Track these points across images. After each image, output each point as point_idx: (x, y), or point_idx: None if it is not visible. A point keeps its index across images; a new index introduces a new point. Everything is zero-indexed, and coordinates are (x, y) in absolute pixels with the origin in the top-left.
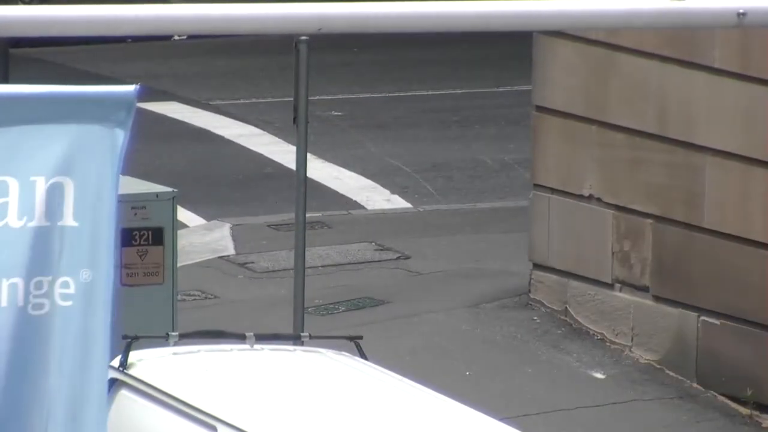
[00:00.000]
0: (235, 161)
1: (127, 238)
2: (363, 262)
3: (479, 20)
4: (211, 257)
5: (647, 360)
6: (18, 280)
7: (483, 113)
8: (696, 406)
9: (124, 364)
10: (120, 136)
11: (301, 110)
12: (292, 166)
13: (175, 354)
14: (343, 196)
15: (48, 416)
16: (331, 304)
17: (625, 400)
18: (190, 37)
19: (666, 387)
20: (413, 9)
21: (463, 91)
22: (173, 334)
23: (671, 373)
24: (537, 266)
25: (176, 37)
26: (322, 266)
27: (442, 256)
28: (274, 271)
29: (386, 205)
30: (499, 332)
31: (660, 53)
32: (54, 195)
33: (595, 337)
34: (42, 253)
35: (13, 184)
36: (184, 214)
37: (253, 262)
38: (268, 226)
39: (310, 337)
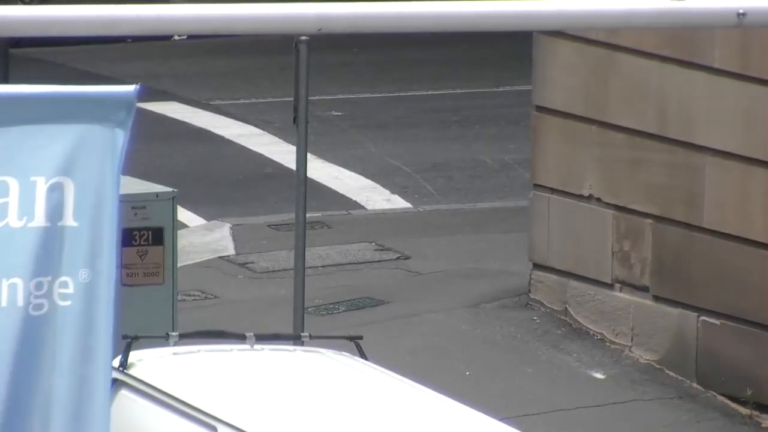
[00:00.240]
0: (235, 161)
1: (127, 238)
2: (363, 262)
3: (479, 20)
4: (211, 257)
5: (647, 360)
6: (18, 281)
7: (483, 113)
8: (696, 406)
9: (124, 364)
10: (120, 136)
11: (301, 110)
12: (292, 166)
13: (175, 354)
14: (343, 196)
15: (49, 416)
16: (331, 304)
17: (625, 400)
18: (190, 37)
19: (666, 387)
20: (413, 9)
21: (463, 91)
22: (173, 334)
23: (671, 373)
24: (537, 266)
25: (176, 37)
26: (322, 266)
27: (442, 256)
28: (274, 271)
29: (386, 205)
30: (499, 332)
31: (660, 53)
32: (54, 195)
33: (595, 337)
34: (42, 253)
35: (14, 185)
36: (184, 214)
37: (253, 262)
38: (268, 226)
39: (310, 337)
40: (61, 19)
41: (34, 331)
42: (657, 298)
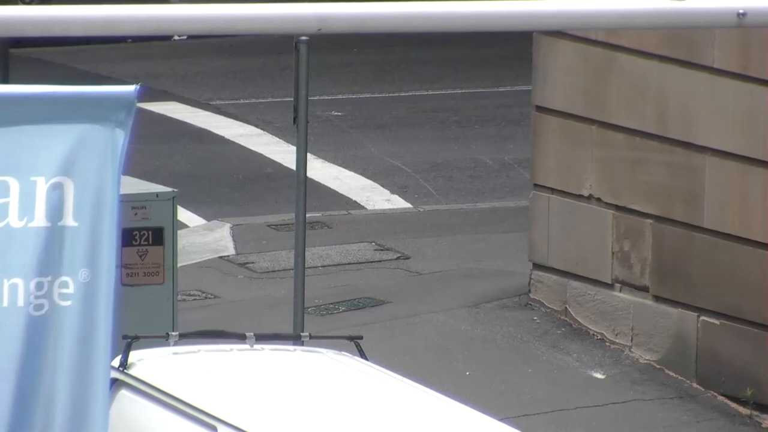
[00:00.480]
0: (235, 161)
1: (127, 238)
2: (363, 262)
3: (479, 20)
4: (211, 257)
5: (647, 360)
6: (18, 281)
7: (483, 113)
8: (696, 406)
9: (124, 364)
10: (120, 136)
11: (301, 110)
12: (292, 166)
13: (175, 354)
14: (343, 196)
15: (50, 416)
16: (331, 304)
17: (625, 400)
18: (190, 37)
19: (666, 387)
20: (413, 9)
21: (463, 91)
22: (173, 334)
23: (671, 373)
24: (537, 266)
25: (176, 37)
26: (322, 266)
27: (442, 256)
28: (274, 271)
29: (386, 205)
30: (499, 332)
31: (660, 53)
32: (54, 195)
33: (595, 337)
34: (42, 253)
35: (14, 185)
36: (184, 214)
37: (253, 262)
38: (268, 226)
39: (310, 337)
40: (61, 19)
41: (34, 332)
42: (657, 298)
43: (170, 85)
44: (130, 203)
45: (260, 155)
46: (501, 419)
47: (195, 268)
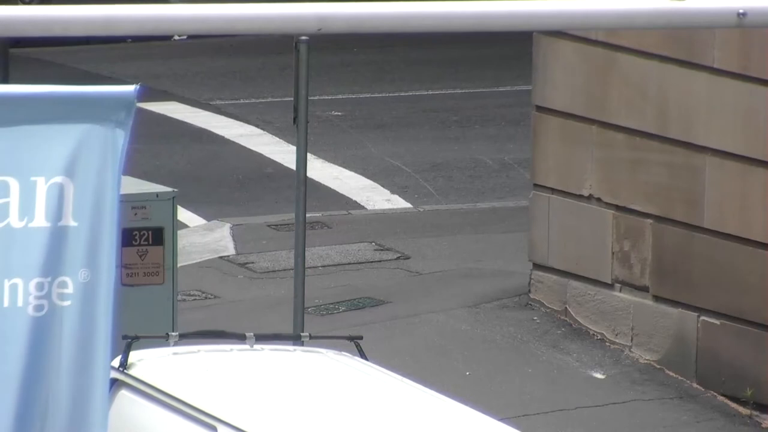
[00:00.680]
0: (235, 161)
1: (127, 238)
2: (363, 262)
3: (479, 20)
4: (211, 257)
5: (647, 360)
6: (19, 281)
7: (483, 113)
8: (696, 406)
9: (124, 364)
10: (120, 136)
11: (301, 110)
12: (292, 166)
13: (175, 354)
14: (343, 196)
15: (50, 416)
16: (331, 304)
17: (625, 400)
18: (190, 37)
19: (666, 387)
20: (413, 9)
21: (463, 91)
22: (173, 334)
23: (671, 373)
24: (537, 266)
25: (176, 37)
26: (322, 266)
27: (442, 256)
28: (274, 271)
29: (386, 205)
30: (499, 332)
31: (660, 53)
32: (54, 195)
33: (595, 337)
34: (42, 254)
35: (14, 185)
36: (184, 214)
37: (253, 262)
38: (268, 226)
39: (310, 337)
40: (61, 19)
41: (34, 332)
42: (657, 298)
43: (170, 85)
44: (130, 203)
45: (260, 155)
46: (501, 419)
47: (195, 268)
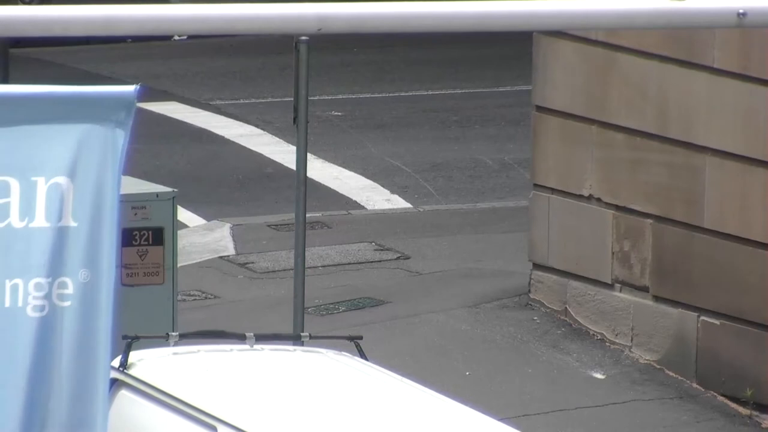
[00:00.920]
0: (235, 161)
1: (127, 238)
2: (363, 262)
3: (479, 20)
4: (211, 257)
5: (647, 360)
6: (20, 281)
7: (483, 113)
8: (696, 406)
9: (124, 364)
10: (120, 137)
11: (301, 110)
12: (292, 166)
13: (175, 354)
14: (343, 196)
15: (50, 416)
16: (331, 304)
17: (625, 400)
18: (190, 37)
19: (666, 387)
20: (413, 9)
21: (463, 91)
22: (173, 334)
23: (671, 373)
24: (537, 266)
25: (176, 37)
26: (322, 266)
27: (442, 256)
28: (274, 271)
29: (386, 205)
30: (499, 332)
31: (660, 53)
32: (53, 195)
33: (595, 337)
34: (43, 254)
35: (15, 185)
36: (184, 214)
37: (253, 262)
38: (268, 226)
39: (310, 337)
40: (61, 19)
41: (35, 333)
42: (657, 298)
43: (170, 85)
44: (130, 203)
45: (260, 155)
46: (501, 419)
47: (195, 268)
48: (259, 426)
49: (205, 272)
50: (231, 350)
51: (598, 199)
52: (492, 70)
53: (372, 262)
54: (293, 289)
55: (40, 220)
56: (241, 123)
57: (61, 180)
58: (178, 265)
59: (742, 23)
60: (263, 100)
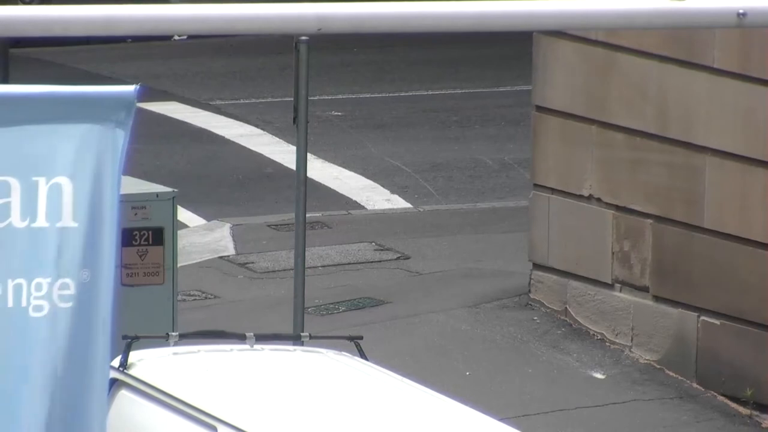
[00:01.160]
0: (235, 161)
1: (127, 238)
2: (363, 262)
3: (479, 20)
4: (211, 257)
5: (647, 360)
6: (22, 281)
7: (483, 113)
8: (696, 406)
9: (124, 364)
10: (120, 137)
11: (301, 110)
12: (292, 166)
13: (175, 354)
14: (343, 196)
15: (49, 416)
16: (331, 304)
17: (625, 400)
18: (190, 37)
19: (666, 387)
20: (413, 9)
21: (463, 91)
22: (173, 334)
23: (671, 373)
24: (537, 266)
25: (176, 37)
26: (322, 266)
27: (442, 256)
28: (274, 271)
29: (386, 205)
30: (499, 332)
31: (660, 53)
32: (54, 196)
33: (595, 337)
34: (42, 254)
35: (15, 185)
36: (184, 214)
37: (253, 262)
38: (268, 226)
39: (310, 337)
40: (61, 19)
41: (35, 333)
42: (657, 298)
43: (170, 85)
44: (130, 203)
45: (260, 155)
46: (501, 419)
47: (195, 268)
48: (259, 426)
49: (205, 272)
50: (231, 350)
51: (598, 199)
52: (492, 70)
53: (372, 262)
54: (293, 289)
55: (42, 221)
56: (241, 123)
57: (61, 180)
58: (178, 265)
59: (742, 23)
60: (263, 100)
